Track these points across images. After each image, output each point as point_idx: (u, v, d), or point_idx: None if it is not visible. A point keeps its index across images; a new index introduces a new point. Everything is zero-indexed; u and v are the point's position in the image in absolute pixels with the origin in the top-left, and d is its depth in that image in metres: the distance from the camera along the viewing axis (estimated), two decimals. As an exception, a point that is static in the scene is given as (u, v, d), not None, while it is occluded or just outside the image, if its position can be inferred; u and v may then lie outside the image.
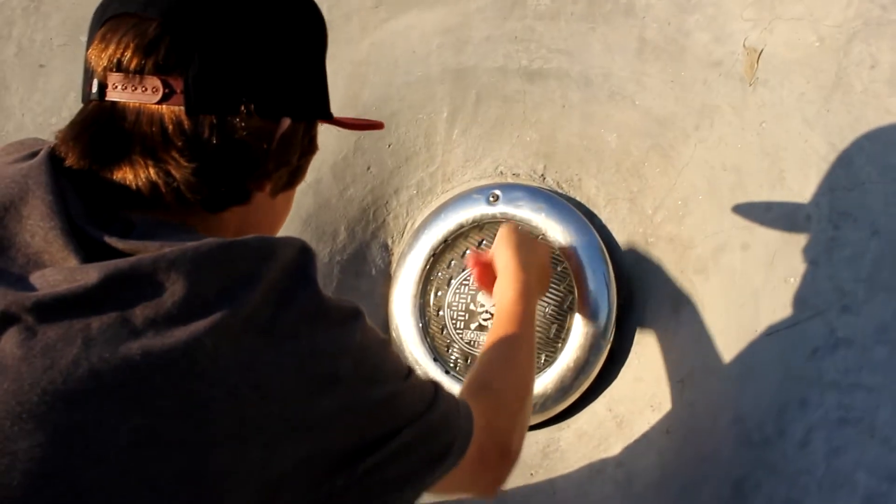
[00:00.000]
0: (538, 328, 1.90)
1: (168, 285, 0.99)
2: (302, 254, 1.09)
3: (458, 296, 2.01)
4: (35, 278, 1.01)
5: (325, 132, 2.06)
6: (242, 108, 1.14)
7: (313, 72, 1.27)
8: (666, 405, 1.81)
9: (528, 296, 1.66)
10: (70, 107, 2.23)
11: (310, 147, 1.29)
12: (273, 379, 1.02)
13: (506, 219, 1.98)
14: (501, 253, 1.73)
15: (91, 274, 0.99)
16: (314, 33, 1.27)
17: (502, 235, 1.76)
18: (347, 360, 1.08)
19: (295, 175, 1.29)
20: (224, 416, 0.98)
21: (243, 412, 1.00)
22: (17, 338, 0.97)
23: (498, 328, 1.61)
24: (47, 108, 2.28)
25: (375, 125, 1.44)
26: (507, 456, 1.44)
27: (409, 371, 1.21)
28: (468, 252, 1.97)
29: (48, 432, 0.94)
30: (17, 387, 0.94)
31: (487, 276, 1.75)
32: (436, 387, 1.26)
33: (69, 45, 2.28)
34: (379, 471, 1.13)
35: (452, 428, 1.25)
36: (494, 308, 1.68)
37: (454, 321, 2.00)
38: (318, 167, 2.09)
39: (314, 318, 1.06)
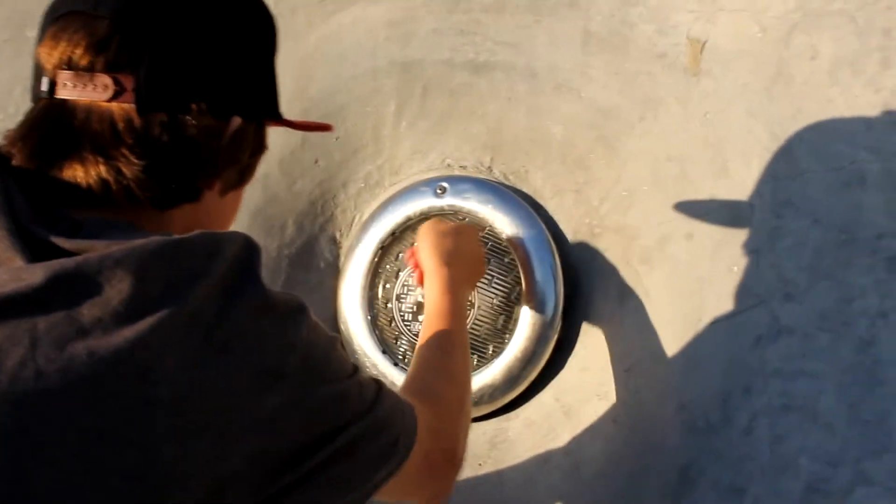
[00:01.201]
0: (485, 320, 1.91)
1: (115, 284, 0.99)
2: (247, 249, 1.08)
3: (406, 288, 2.01)
4: None
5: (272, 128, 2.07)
6: (193, 106, 1.14)
7: (263, 72, 1.27)
8: (612, 394, 1.83)
9: (453, 291, 1.66)
10: (17, 102, 2.22)
11: (259, 146, 1.29)
12: (219, 376, 1.01)
13: (452, 211, 1.99)
14: (422, 252, 1.74)
15: (37, 273, 0.98)
16: (264, 34, 1.27)
17: (421, 233, 1.77)
18: (293, 355, 1.08)
19: (244, 174, 1.29)
20: (171, 414, 0.98)
21: (190, 410, 0.99)
22: None
23: (429, 328, 1.61)
24: (-10, 104, 2.26)
25: (324, 127, 1.44)
26: (453, 461, 1.44)
27: (355, 369, 1.21)
28: (405, 252, 1.97)
29: None
30: None
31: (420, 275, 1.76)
32: (379, 385, 1.25)
33: (13, 40, 2.26)
34: (325, 469, 1.13)
35: (397, 424, 1.25)
36: (425, 311, 1.67)
37: (402, 313, 2.01)
38: (266, 161, 1.97)
39: (259, 313, 1.06)
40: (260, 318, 1.06)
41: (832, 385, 1.62)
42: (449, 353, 1.57)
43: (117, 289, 0.98)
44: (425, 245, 1.74)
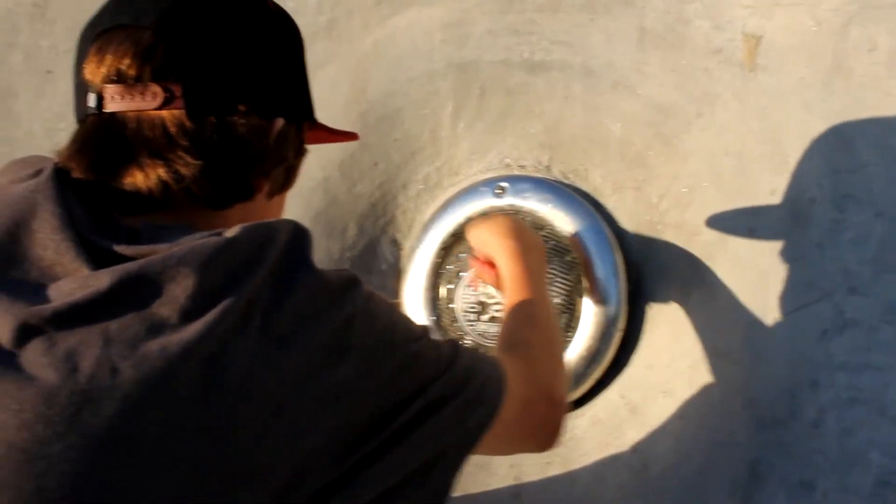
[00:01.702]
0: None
1: (179, 281, 1.02)
2: (296, 234, 1.12)
3: (468, 288, 2.02)
4: (50, 290, 1.04)
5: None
6: (240, 107, 1.19)
7: (297, 76, 1.32)
8: (678, 391, 1.83)
9: (535, 270, 1.67)
10: (79, 111, 2.25)
11: (300, 148, 1.34)
12: (284, 357, 1.05)
13: (513, 210, 2.00)
14: (494, 242, 1.72)
15: (103, 279, 1.02)
16: (292, 40, 1.33)
17: (489, 226, 1.76)
18: (354, 327, 1.11)
19: (289, 176, 1.33)
20: (242, 399, 1.01)
21: (261, 394, 1.02)
22: (39, 348, 1.00)
23: (513, 297, 1.61)
24: (55, 114, 2.29)
25: (351, 136, 1.51)
26: (554, 403, 1.45)
27: (425, 331, 1.24)
28: (468, 256, 1.98)
29: (78, 434, 0.96)
30: (45, 392, 0.97)
31: (488, 271, 1.76)
32: (455, 342, 1.28)
33: (75, 50, 2.29)
34: (410, 430, 1.15)
35: (480, 374, 1.26)
36: (504, 289, 1.67)
37: (465, 313, 2.02)
38: (325, 165, 2.12)
39: (314, 293, 1.09)
40: (315, 297, 1.09)
41: None
42: (537, 311, 1.59)
43: (182, 286, 1.02)
44: (497, 235, 1.73)
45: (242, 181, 1.22)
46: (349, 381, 1.09)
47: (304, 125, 1.33)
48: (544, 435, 1.45)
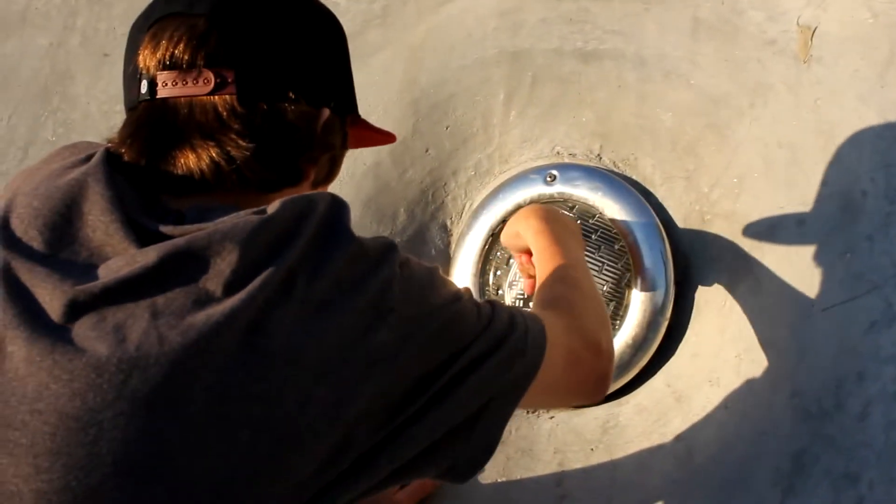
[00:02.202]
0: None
1: (224, 256, 1.05)
2: (334, 205, 1.15)
3: (517, 275, 2.03)
4: (100, 269, 1.08)
5: (379, 112, 2.09)
6: (290, 94, 1.22)
7: (342, 69, 1.36)
8: (724, 380, 1.82)
9: (565, 241, 1.68)
10: (135, 95, 2.28)
11: (345, 140, 1.38)
12: (325, 323, 1.07)
13: (563, 198, 2.02)
14: (530, 229, 1.72)
15: (150, 255, 1.06)
16: (338, 36, 1.37)
17: (524, 215, 1.76)
18: (394, 290, 1.14)
19: (333, 166, 1.37)
20: (286, 364, 1.04)
21: (304, 359, 1.05)
22: (89, 322, 1.03)
23: (545, 266, 1.63)
24: (112, 97, 2.33)
25: (390, 137, 1.54)
26: (600, 352, 1.47)
27: (462, 293, 1.26)
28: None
29: (128, 400, 0.99)
30: (94, 361, 1.00)
31: (526, 259, 1.79)
32: (493, 302, 1.30)
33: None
34: (453, 388, 1.18)
35: (520, 328, 1.28)
36: (537, 263, 1.68)
37: (514, 300, 2.03)
38: (377, 151, 2.14)
39: (353, 260, 1.12)
40: (354, 263, 1.12)
41: None
42: (564, 269, 1.60)
43: (226, 260, 1.05)
44: (532, 223, 1.73)
45: (291, 165, 1.25)
46: (389, 344, 1.12)
47: (347, 118, 1.37)
48: (592, 384, 1.47)
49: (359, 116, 1.41)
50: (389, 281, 1.13)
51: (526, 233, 1.72)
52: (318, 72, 1.28)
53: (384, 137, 1.52)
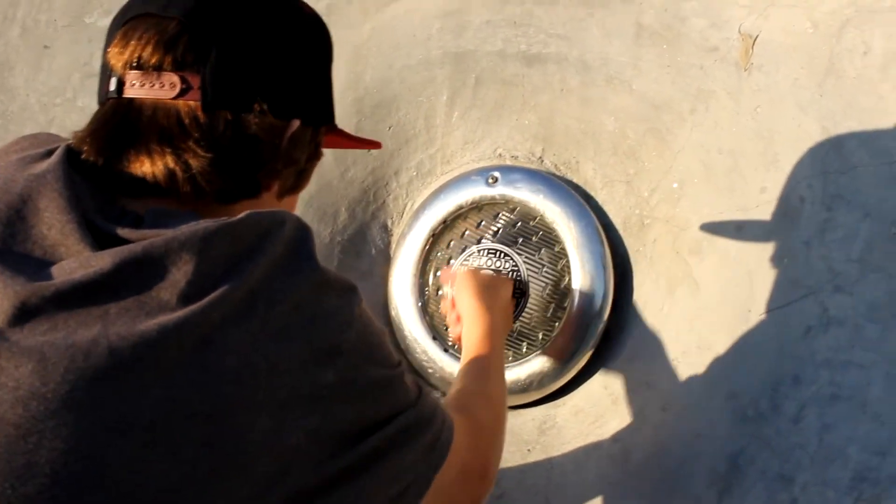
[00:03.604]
0: (535, 308, 1.94)
1: (180, 265, 1.02)
2: (300, 228, 1.12)
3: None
4: (53, 269, 1.04)
5: None
6: (256, 105, 1.19)
7: (320, 79, 1.33)
8: (661, 383, 1.84)
9: (494, 335, 1.70)
10: (74, 87, 2.26)
11: (315, 152, 1.34)
12: (280, 349, 1.05)
13: (504, 200, 2.01)
14: (464, 299, 1.77)
15: (105, 260, 1.02)
16: (321, 44, 1.32)
17: (462, 282, 1.81)
18: (350, 332, 1.11)
19: (300, 178, 1.34)
20: (236, 385, 1.01)
21: (254, 381, 1.02)
22: (39, 327, 1.00)
23: (469, 363, 1.64)
24: (52, 89, 2.30)
25: (374, 144, 1.53)
26: (486, 479, 1.44)
27: (401, 361, 1.24)
28: (442, 271, 2.02)
29: (72, 410, 0.96)
30: (40, 368, 0.97)
31: (456, 322, 1.81)
32: (419, 383, 1.28)
33: (73, 25, 2.30)
34: (384, 453, 1.15)
35: (438, 422, 1.26)
36: (462, 349, 1.71)
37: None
38: None
39: (316, 290, 1.10)
40: (317, 294, 1.10)
41: (881, 376, 1.64)
42: (487, 379, 1.61)
43: (183, 270, 1.02)
44: (468, 293, 1.78)
45: (250, 178, 1.22)
46: (334, 385, 1.09)
47: (321, 129, 1.34)
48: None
49: (335, 126, 1.39)
50: (348, 323, 1.12)
51: (467, 309, 1.76)
52: (292, 82, 1.25)
53: (367, 144, 1.51)
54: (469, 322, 1.73)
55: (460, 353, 1.90)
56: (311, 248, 1.12)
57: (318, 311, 1.09)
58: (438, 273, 2.05)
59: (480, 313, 1.73)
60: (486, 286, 1.81)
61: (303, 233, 1.12)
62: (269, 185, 1.25)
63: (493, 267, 1.97)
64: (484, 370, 1.63)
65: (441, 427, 1.26)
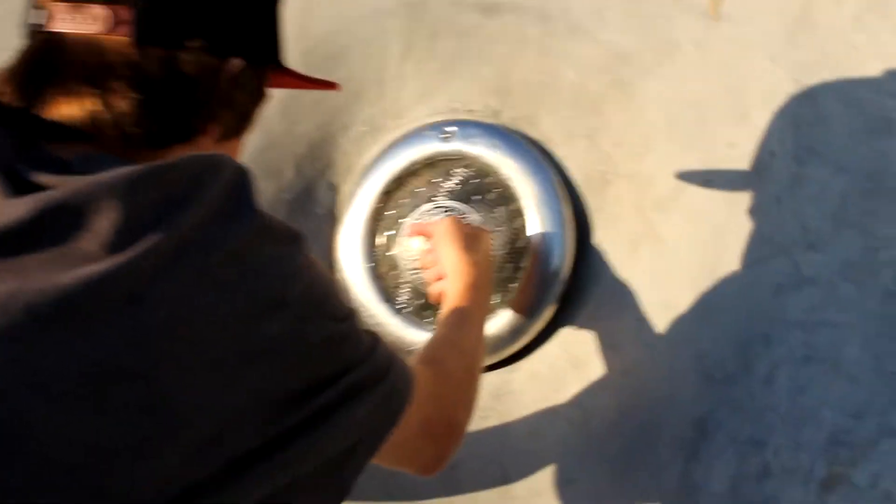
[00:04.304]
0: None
1: (105, 213, 0.93)
2: (239, 173, 1.03)
3: (409, 236, 1.92)
4: None
5: None
6: (191, 43, 1.11)
7: (265, 15, 1.23)
8: (624, 345, 1.77)
9: (479, 288, 1.60)
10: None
11: (259, 93, 1.25)
12: (217, 301, 0.97)
13: (458, 156, 1.94)
14: (448, 253, 1.65)
15: (22, 207, 0.94)
16: None
17: (445, 233, 1.69)
18: (295, 283, 1.04)
19: (243, 121, 1.24)
20: (169, 341, 0.93)
21: (188, 337, 0.94)
22: None
23: (448, 313, 1.55)
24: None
25: (330, 85, 1.42)
26: (453, 430, 1.38)
27: (353, 312, 1.15)
28: (411, 224, 1.91)
29: None
30: None
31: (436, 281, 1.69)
32: (374, 334, 1.20)
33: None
34: (333, 410, 1.07)
35: (394, 374, 1.18)
36: (443, 302, 1.61)
37: (405, 261, 1.94)
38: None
39: (257, 238, 1.01)
40: (258, 242, 1.01)
41: (856, 336, 1.59)
42: (462, 329, 1.52)
43: (108, 218, 0.93)
44: (451, 246, 1.65)
45: (183, 122, 1.13)
46: (278, 339, 1.01)
47: (266, 69, 1.24)
48: (432, 458, 1.36)
49: (283, 67, 1.27)
50: (294, 273, 1.03)
51: (452, 270, 1.63)
52: (233, 17, 1.16)
53: (321, 85, 1.40)
54: (453, 277, 1.62)
55: (414, 315, 1.82)
56: (250, 192, 1.03)
57: (259, 260, 1.00)
58: (402, 222, 1.95)
59: (466, 267, 1.62)
60: (470, 237, 1.69)
61: (242, 177, 1.03)
62: (205, 129, 1.16)
63: None
64: (461, 320, 1.53)
65: (397, 380, 1.18)
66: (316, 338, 1.05)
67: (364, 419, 1.12)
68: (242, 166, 1.04)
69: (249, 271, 0.99)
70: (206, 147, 1.17)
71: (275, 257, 1.02)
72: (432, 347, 1.45)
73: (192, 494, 0.96)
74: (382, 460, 1.21)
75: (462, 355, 1.46)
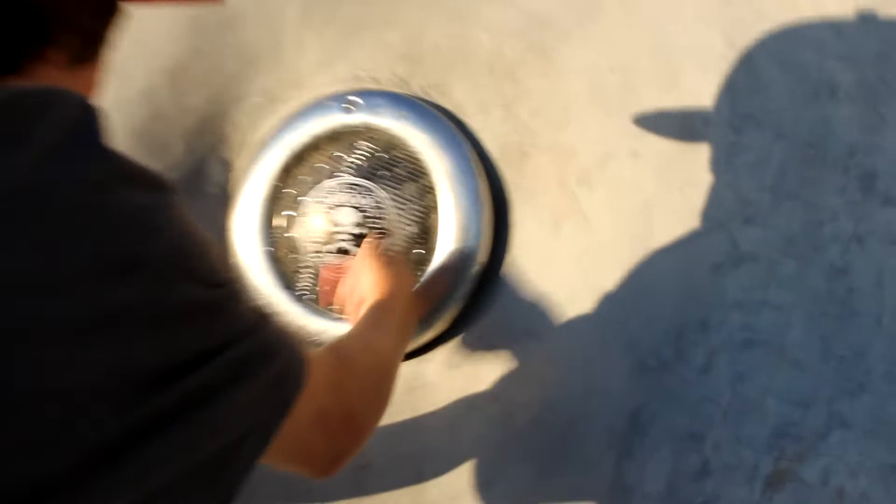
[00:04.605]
0: (399, 251, 1.69)
1: None
2: (82, 108, 0.84)
3: (311, 216, 1.77)
4: None
5: (156, 29, 1.82)
6: None
7: None
8: (547, 332, 1.63)
9: (401, 302, 1.46)
10: None
11: (108, 8, 1.04)
12: (56, 261, 0.78)
13: (364, 128, 1.77)
14: (368, 279, 1.50)
15: None
16: None
17: (364, 263, 1.54)
18: (156, 240, 0.83)
19: (92, 44, 1.03)
20: (2, 310, 0.76)
21: (21, 306, 0.77)
22: None
23: (364, 316, 1.39)
24: None
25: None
26: (350, 428, 1.19)
27: (234, 279, 0.95)
28: (322, 267, 1.75)
29: None
30: None
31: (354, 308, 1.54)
32: (262, 307, 1.00)
33: None
34: (208, 394, 0.88)
35: (287, 349, 1.00)
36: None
37: (307, 243, 1.78)
38: (149, 72, 1.85)
39: (108, 184, 0.82)
40: (109, 190, 0.82)
41: (801, 317, 1.49)
42: (376, 329, 1.36)
43: None
44: (371, 274, 1.50)
45: (5, 49, 0.94)
46: (134, 306, 0.81)
47: None
48: (326, 455, 1.17)
49: None
50: (156, 228, 0.83)
51: (364, 285, 1.49)
52: None
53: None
54: (372, 291, 1.47)
55: (316, 301, 1.67)
56: (96, 130, 0.83)
57: (110, 211, 0.81)
58: (302, 200, 1.79)
59: (386, 281, 1.47)
60: (388, 262, 1.54)
61: (85, 112, 0.84)
62: (42, 55, 0.96)
63: (352, 204, 1.71)
64: (376, 320, 1.38)
65: (289, 360, 1.00)
66: (183, 307, 0.86)
67: (248, 406, 0.93)
68: (85, 100, 0.85)
69: (97, 224, 0.80)
70: (50, 77, 0.97)
71: (131, 208, 0.82)
72: (338, 339, 1.29)
73: (46, 494, 0.79)
74: (268, 458, 1.04)
75: (369, 350, 1.30)
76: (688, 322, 1.50)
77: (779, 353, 1.44)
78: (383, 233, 1.71)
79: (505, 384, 1.62)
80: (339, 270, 1.63)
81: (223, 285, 0.90)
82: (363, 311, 1.43)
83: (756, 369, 1.45)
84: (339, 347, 1.24)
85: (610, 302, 1.58)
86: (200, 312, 0.86)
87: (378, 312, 1.40)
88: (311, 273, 1.76)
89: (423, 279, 1.69)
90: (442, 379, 1.67)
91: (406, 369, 1.68)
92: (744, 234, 1.53)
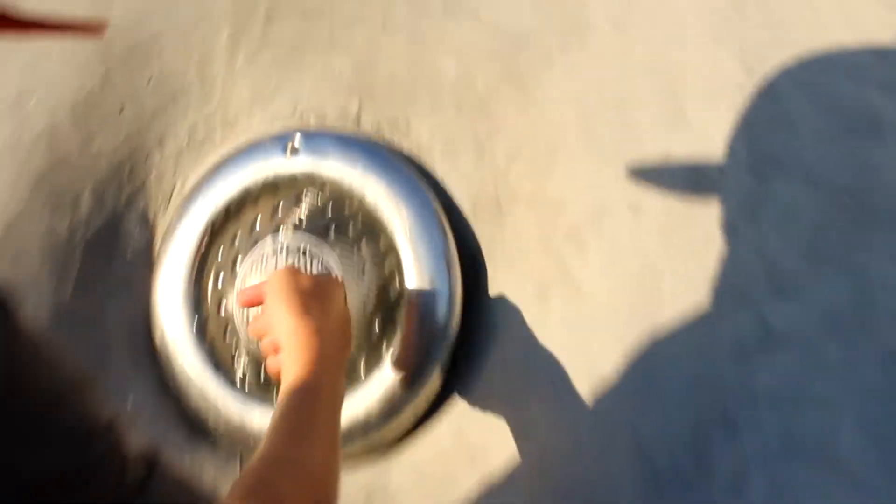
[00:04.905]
0: (355, 327, 1.47)
1: None
2: None
3: (248, 281, 1.57)
4: None
5: (58, 56, 1.65)
6: None
7: None
8: (536, 430, 1.43)
9: (324, 365, 1.22)
10: None
11: None
12: None
13: (306, 177, 1.58)
14: (280, 318, 1.26)
15: None
16: None
17: (276, 292, 1.30)
18: None
19: None
20: None
21: None
22: None
23: (284, 411, 1.16)
24: None
25: (91, 28, 0.95)
26: None
27: (109, 427, 0.74)
28: (239, 294, 1.48)
29: None
30: None
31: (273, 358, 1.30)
32: (151, 463, 0.79)
33: None
34: None
35: None
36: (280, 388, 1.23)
37: (244, 316, 1.57)
38: (52, 109, 1.66)
39: None
40: None
41: (852, 416, 1.29)
42: (305, 437, 1.14)
43: None
44: (283, 308, 1.27)
45: None
46: None
47: None
48: None
49: None
50: None
51: (287, 344, 1.24)
52: None
53: (70, 29, 0.96)
54: (290, 351, 1.23)
55: (254, 389, 1.52)
56: None
57: None
58: (239, 263, 1.59)
59: (305, 338, 1.22)
60: (311, 294, 1.29)
61: None
62: None
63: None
64: (303, 423, 1.14)
65: None
66: (19, 467, 0.67)
67: None
68: None
69: None
70: None
71: None
72: (259, 467, 1.06)
73: None
74: None
75: (303, 475, 1.07)
76: (710, 423, 1.31)
77: (829, 463, 1.25)
78: None
79: (485, 492, 1.42)
80: (257, 296, 1.38)
81: (86, 436, 0.72)
82: (284, 371, 1.21)
83: (801, 486, 1.25)
84: (265, 484, 1.02)
85: (613, 394, 1.39)
86: (41, 479, 0.68)
87: (298, 405, 1.16)
88: (248, 352, 1.53)
89: (384, 362, 1.49)
90: (407, 486, 1.47)
91: (364, 475, 1.49)
92: (775, 310, 1.35)
